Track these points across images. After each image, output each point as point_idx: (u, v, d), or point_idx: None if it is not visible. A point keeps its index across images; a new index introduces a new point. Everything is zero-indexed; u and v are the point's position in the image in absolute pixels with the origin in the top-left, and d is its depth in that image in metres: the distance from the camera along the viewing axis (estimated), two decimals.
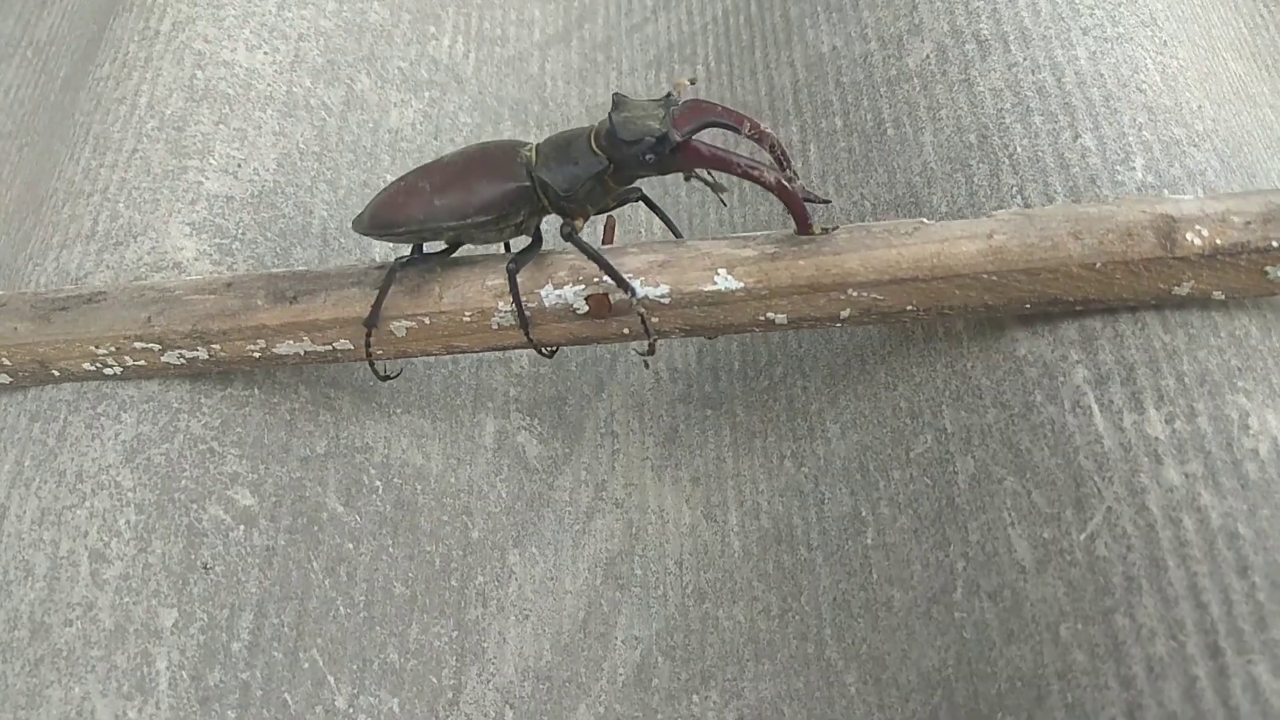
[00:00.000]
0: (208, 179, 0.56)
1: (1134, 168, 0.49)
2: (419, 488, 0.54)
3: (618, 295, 0.44)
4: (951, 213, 0.51)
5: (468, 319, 0.45)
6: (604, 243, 0.50)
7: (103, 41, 0.66)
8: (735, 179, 0.46)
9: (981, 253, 0.43)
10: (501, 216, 0.43)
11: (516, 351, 0.61)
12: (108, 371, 0.47)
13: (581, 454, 0.59)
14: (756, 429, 0.56)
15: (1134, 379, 0.43)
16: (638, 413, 0.60)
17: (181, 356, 0.46)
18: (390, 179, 0.62)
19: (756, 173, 0.40)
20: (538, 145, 0.44)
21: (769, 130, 0.44)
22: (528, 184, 0.43)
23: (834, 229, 0.44)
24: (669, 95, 0.44)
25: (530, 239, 0.45)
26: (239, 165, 0.57)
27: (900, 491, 0.48)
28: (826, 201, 0.45)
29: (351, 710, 0.46)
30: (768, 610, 0.50)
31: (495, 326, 0.45)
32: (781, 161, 0.44)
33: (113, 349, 0.46)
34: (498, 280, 0.44)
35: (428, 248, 0.47)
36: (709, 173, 0.44)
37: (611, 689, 0.51)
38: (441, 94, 0.68)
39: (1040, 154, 0.50)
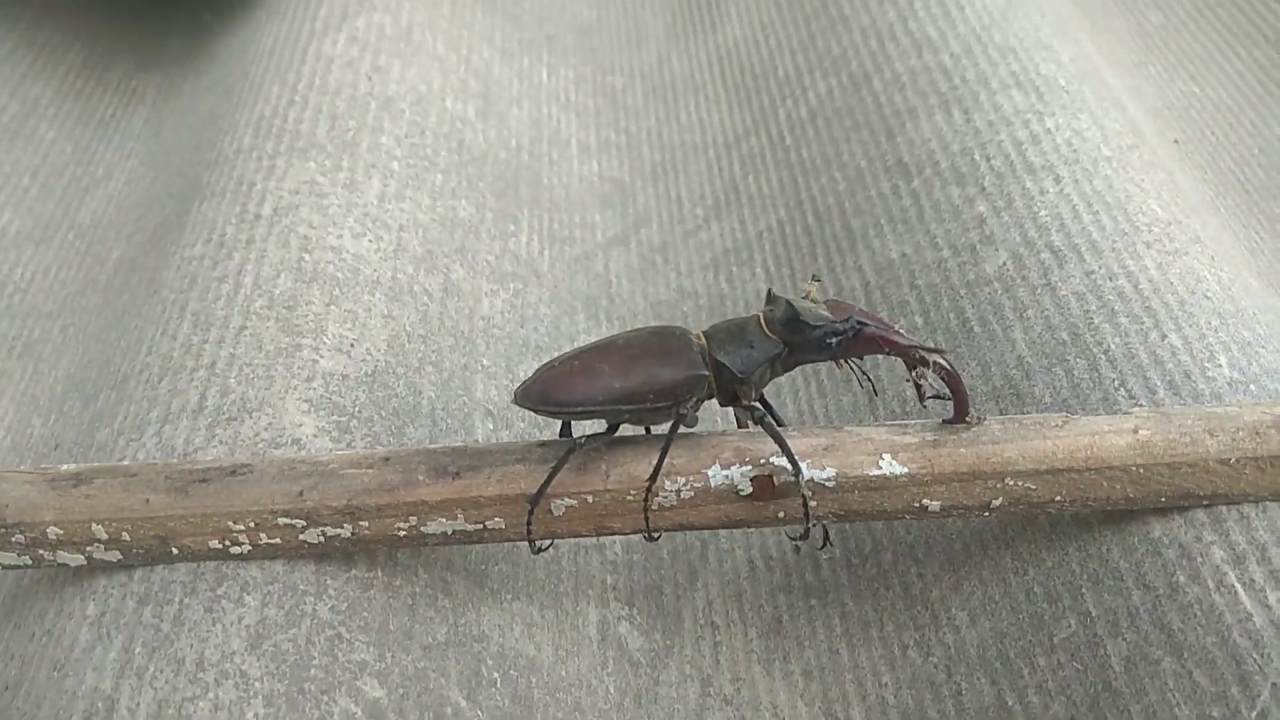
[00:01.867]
0: (322, 357, 0.55)
1: (1220, 365, 0.53)
2: (533, 680, 0.51)
3: (781, 477, 0.45)
4: (1056, 403, 0.54)
5: (630, 498, 0.44)
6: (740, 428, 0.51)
7: (188, 224, 0.66)
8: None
9: (1130, 446, 0.45)
10: (678, 401, 0.44)
11: (611, 537, 0.60)
12: (235, 551, 0.45)
13: (684, 646, 0.57)
14: (870, 619, 0.55)
15: (1269, 558, 0.44)
16: (736, 602, 0.59)
17: (323, 534, 0.44)
18: (487, 364, 0.63)
19: (933, 358, 0.43)
20: (704, 332, 0.45)
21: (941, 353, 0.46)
22: (705, 371, 0.44)
23: (982, 419, 0.46)
24: (805, 298, 0.46)
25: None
26: (352, 345, 0.57)
27: (1048, 678, 0.47)
28: (947, 397, 0.47)
29: None
30: None
31: (656, 507, 0.45)
32: (953, 375, 0.47)
33: (252, 524, 0.44)
34: (666, 461, 0.44)
35: (580, 427, 0.47)
36: (860, 365, 0.47)
37: None
38: (524, 286, 0.70)
39: (1134, 351, 0.54)
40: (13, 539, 0.43)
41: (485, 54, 0.88)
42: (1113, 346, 0.54)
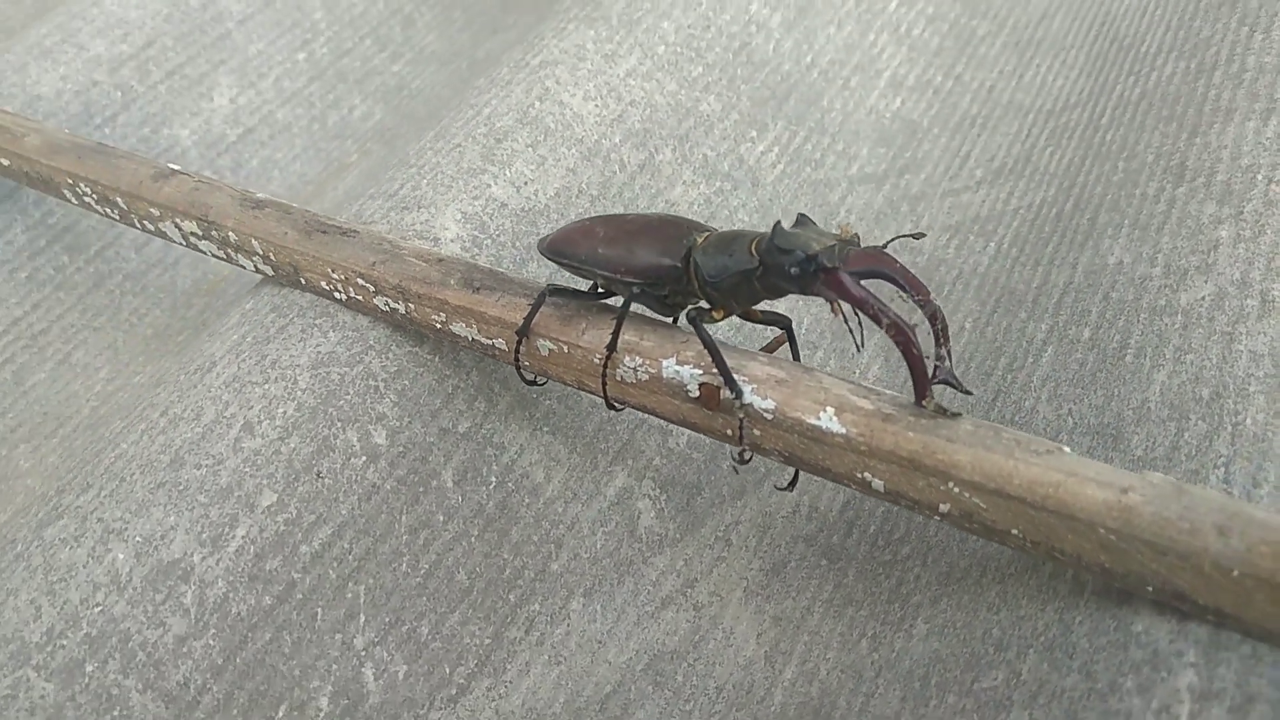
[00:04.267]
0: (496, 184, 0.64)
1: None
2: (527, 500, 0.57)
3: (728, 393, 0.44)
4: (1145, 460, 0.45)
5: (596, 361, 0.47)
6: (765, 350, 0.50)
7: (495, 60, 0.78)
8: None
9: (1107, 504, 0.37)
10: (650, 284, 0.45)
11: (679, 429, 0.63)
12: (337, 295, 0.56)
13: (688, 546, 0.58)
14: (857, 597, 0.52)
15: (1247, 712, 0.35)
16: (760, 533, 0.58)
17: (388, 304, 0.54)
18: None
19: (887, 321, 0.39)
20: (710, 233, 0.46)
21: (939, 305, 0.42)
22: (679, 265, 0.45)
23: (954, 415, 0.41)
24: (854, 237, 0.44)
25: (672, 316, 0.47)
26: (525, 182, 0.65)
27: (948, 718, 0.42)
28: (968, 393, 0.42)
29: (364, 654, 0.50)
30: None
31: (619, 380, 0.47)
32: (940, 338, 0.42)
33: (341, 278, 0.54)
34: (633, 338, 0.47)
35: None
36: (856, 315, 0.44)
37: None
38: (733, 188, 0.72)
39: (1270, 435, 0.43)
40: (211, 233, 0.59)
41: None
42: (1249, 423, 0.44)
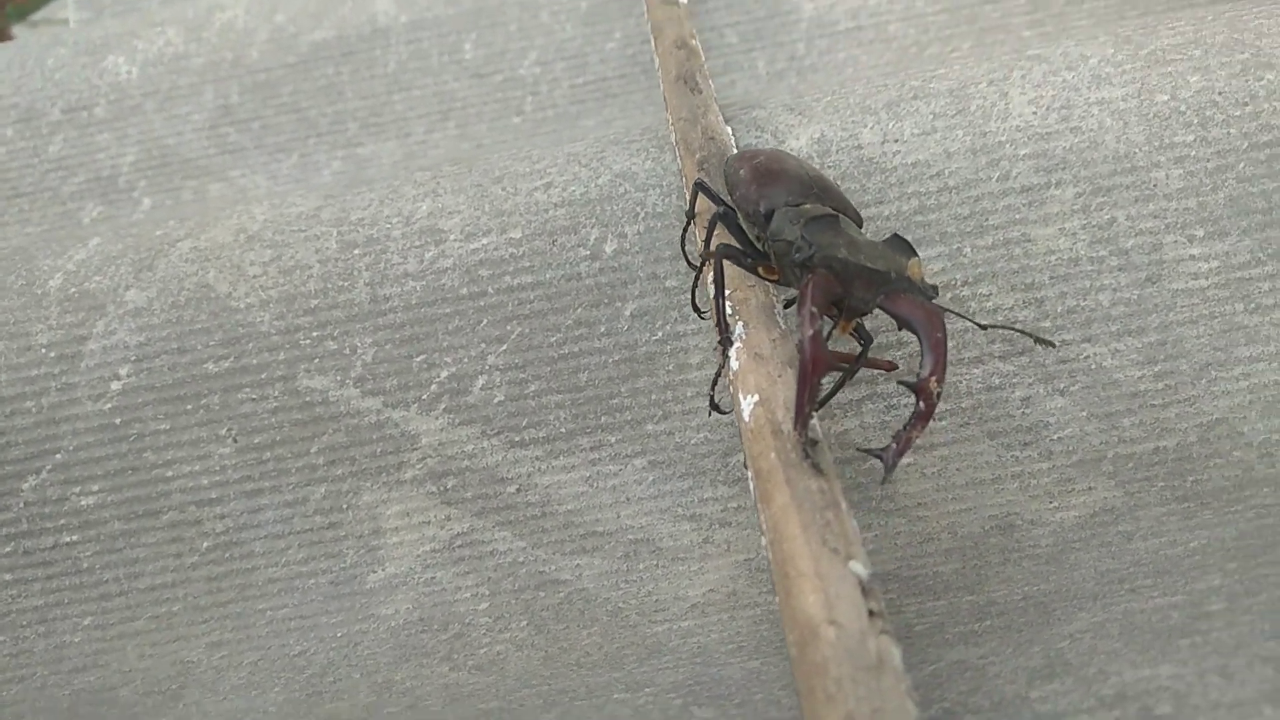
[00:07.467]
0: (869, 130, 0.67)
1: None
2: (671, 367, 0.64)
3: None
4: None
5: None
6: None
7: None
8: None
9: (808, 619, 0.34)
10: (743, 216, 0.48)
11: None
12: (671, 137, 0.67)
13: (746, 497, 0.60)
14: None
15: None
16: None
17: (676, 156, 0.63)
18: None
19: (798, 340, 0.38)
20: (817, 205, 0.46)
21: (937, 395, 0.38)
22: (763, 213, 0.46)
23: (814, 465, 0.38)
24: (930, 288, 0.41)
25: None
26: (894, 140, 0.66)
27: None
28: (887, 480, 0.38)
29: (488, 367, 0.64)
30: None
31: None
32: (913, 422, 0.39)
33: (670, 120, 0.65)
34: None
35: None
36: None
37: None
38: (1117, 267, 0.63)
39: None
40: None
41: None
42: None
